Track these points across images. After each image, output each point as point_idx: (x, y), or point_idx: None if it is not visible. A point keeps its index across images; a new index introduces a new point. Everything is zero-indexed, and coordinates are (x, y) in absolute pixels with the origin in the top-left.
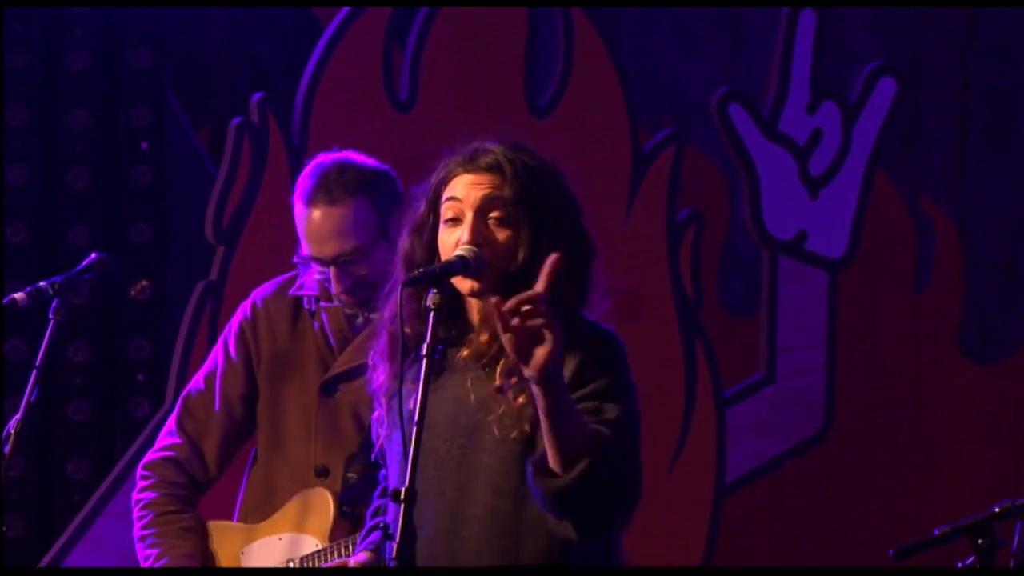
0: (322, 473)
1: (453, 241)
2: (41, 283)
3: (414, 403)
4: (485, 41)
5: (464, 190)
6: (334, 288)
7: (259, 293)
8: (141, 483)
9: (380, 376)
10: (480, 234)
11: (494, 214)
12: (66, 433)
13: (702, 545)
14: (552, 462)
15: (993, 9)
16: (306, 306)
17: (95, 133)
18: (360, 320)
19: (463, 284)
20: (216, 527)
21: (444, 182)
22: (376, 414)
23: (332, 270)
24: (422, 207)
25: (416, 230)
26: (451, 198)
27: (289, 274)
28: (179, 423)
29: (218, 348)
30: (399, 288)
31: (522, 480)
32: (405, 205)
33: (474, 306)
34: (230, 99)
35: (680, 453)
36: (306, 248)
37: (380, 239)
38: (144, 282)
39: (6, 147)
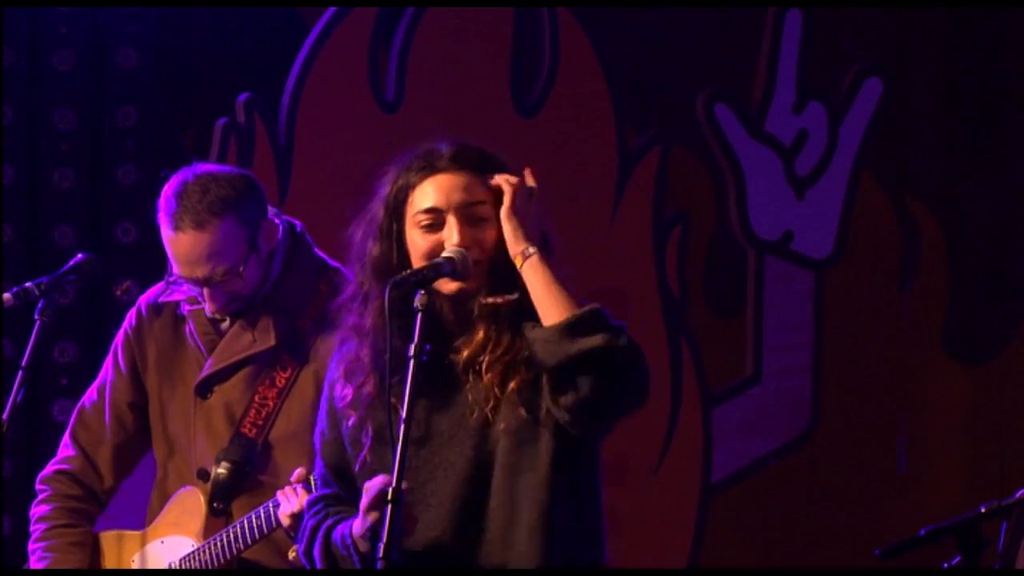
0: (203, 476)
1: (429, 245)
2: (27, 283)
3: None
4: (471, 41)
5: (442, 194)
6: (208, 307)
7: (144, 300)
8: (38, 497)
9: (364, 388)
10: (468, 235)
11: (476, 213)
12: (52, 433)
13: (688, 545)
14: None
15: (978, 9)
16: (179, 311)
17: (81, 133)
18: (226, 323)
19: (448, 286)
20: (107, 537)
21: (409, 187)
22: (348, 423)
23: (205, 290)
24: (380, 213)
25: (382, 236)
26: (428, 208)
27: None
28: (73, 435)
29: (109, 358)
30: (386, 292)
31: (528, 460)
32: (362, 212)
33: (448, 312)
34: (216, 99)
35: (666, 453)
36: (174, 268)
37: (251, 253)
38: (129, 282)
39: None
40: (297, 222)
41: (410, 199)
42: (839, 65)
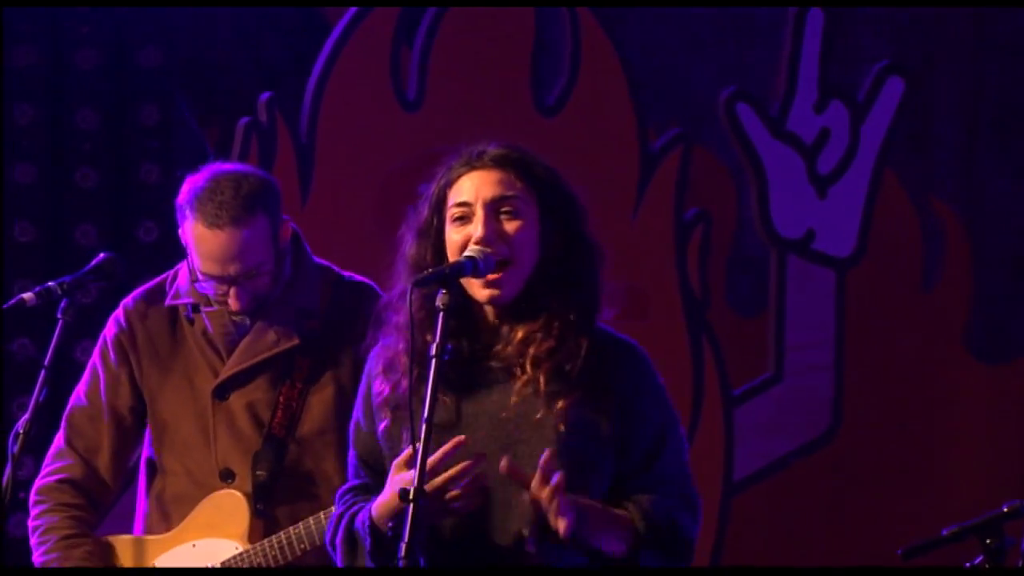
0: (227, 477)
1: (461, 238)
2: (50, 283)
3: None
4: (493, 41)
5: (473, 188)
6: (233, 305)
7: (129, 302)
8: (37, 508)
9: (388, 386)
10: (492, 229)
11: (505, 208)
12: None
13: (710, 544)
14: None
15: (1000, 8)
16: (185, 314)
17: (103, 132)
18: (247, 323)
19: (482, 293)
20: (121, 542)
21: (449, 184)
22: (382, 425)
23: (232, 289)
24: (425, 211)
25: (422, 233)
26: (460, 202)
27: (154, 281)
28: (68, 442)
29: (95, 361)
30: (408, 291)
31: (570, 490)
32: (410, 209)
33: (490, 313)
34: (238, 98)
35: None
36: (202, 266)
37: (276, 251)
38: None
39: (14, 146)
40: (291, 222)
41: (449, 195)
42: (861, 64)
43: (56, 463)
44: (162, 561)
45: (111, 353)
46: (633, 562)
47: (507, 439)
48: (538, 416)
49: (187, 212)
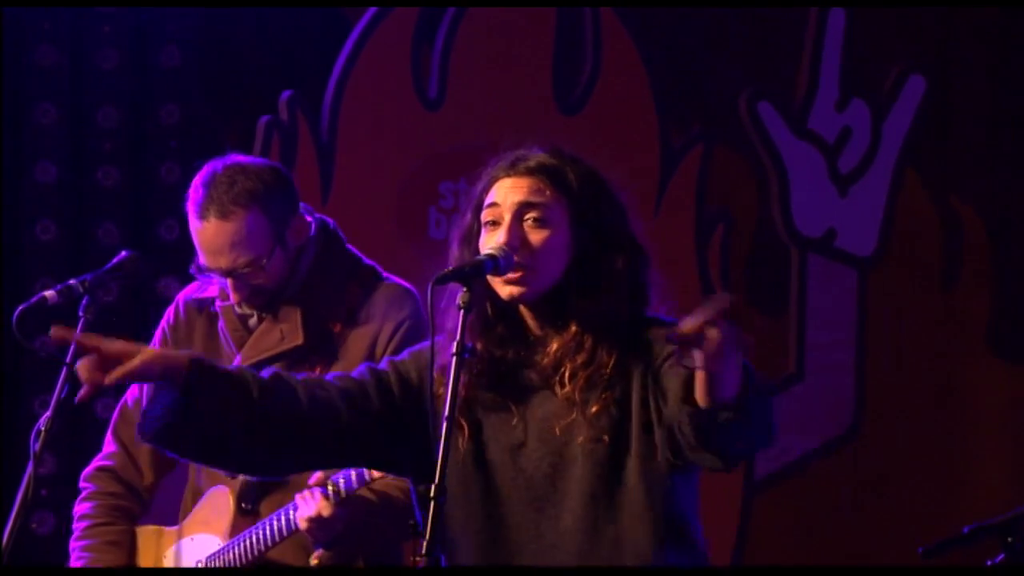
0: (232, 474)
1: (489, 243)
2: (71, 281)
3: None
4: (514, 39)
5: (503, 194)
6: (232, 298)
7: (182, 296)
8: (81, 495)
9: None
10: (516, 236)
11: (531, 215)
12: (95, 430)
13: (732, 542)
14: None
15: (1022, 7)
16: (212, 308)
17: (124, 131)
18: (254, 319)
19: (503, 290)
20: (144, 533)
21: (486, 189)
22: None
23: (229, 281)
24: (468, 216)
25: (465, 239)
26: (491, 204)
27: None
28: (115, 431)
29: None
30: (429, 289)
31: (613, 486)
32: (456, 213)
33: (529, 317)
34: (259, 97)
35: None
36: (201, 259)
37: (276, 247)
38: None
39: (36, 145)
40: (330, 220)
41: (485, 199)
42: (882, 63)
43: (103, 450)
44: (170, 553)
45: (157, 345)
46: (742, 406)
47: (555, 444)
48: (578, 428)
49: (188, 204)
